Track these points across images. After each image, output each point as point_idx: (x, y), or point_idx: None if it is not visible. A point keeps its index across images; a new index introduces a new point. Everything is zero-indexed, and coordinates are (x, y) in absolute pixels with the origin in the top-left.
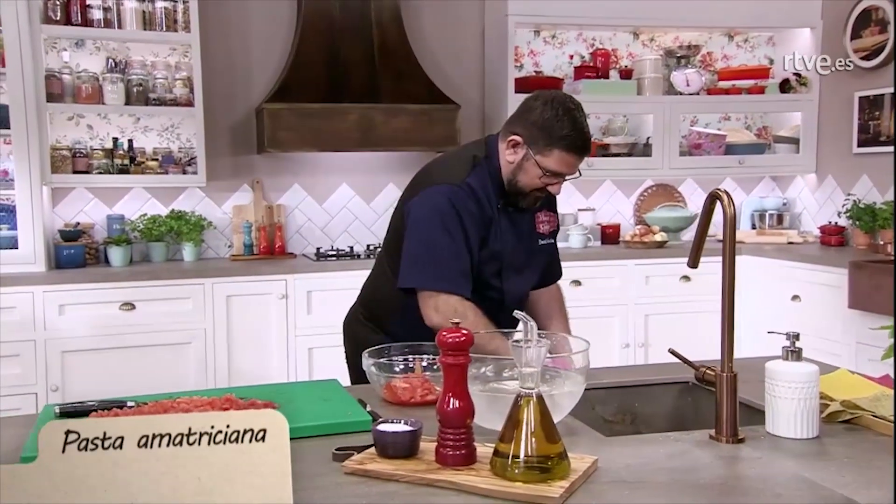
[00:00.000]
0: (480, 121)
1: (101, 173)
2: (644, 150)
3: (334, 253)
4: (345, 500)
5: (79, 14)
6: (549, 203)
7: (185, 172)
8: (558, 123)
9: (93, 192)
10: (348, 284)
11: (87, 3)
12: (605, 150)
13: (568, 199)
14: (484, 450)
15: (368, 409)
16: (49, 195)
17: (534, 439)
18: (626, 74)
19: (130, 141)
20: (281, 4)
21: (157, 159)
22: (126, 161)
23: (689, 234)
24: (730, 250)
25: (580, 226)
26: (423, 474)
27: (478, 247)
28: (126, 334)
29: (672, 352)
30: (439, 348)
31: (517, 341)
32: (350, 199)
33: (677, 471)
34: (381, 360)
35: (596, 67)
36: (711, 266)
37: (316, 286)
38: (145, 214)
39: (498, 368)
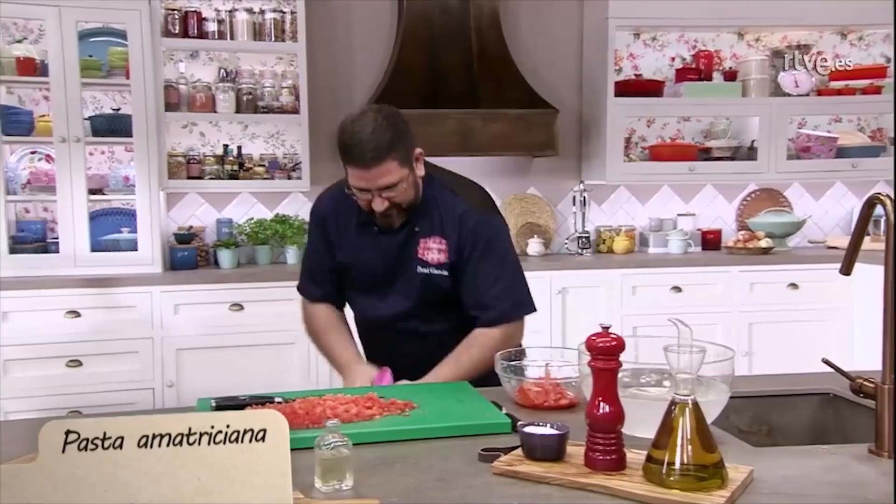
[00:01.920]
0: (578, 125)
1: (212, 178)
2: (748, 153)
3: None
4: (499, 501)
5: (195, 27)
6: (443, 230)
7: (289, 177)
8: (339, 139)
9: (203, 197)
10: None
11: (203, 16)
12: (706, 154)
13: (666, 203)
14: (631, 455)
15: (504, 411)
16: (165, 200)
17: (690, 447)
18: (730, 76)
19: (239, 147)
20: (382, 13)
21: (263, 165)
22: (235, 167)
23: (795, 241)
24: (893, 257)
25: (679, 231)
26: (574, 478)
27: (330, 252)
28: (235, 334)
29: (826, 361)
30: (589, 352)
31: (671, 347)
32: None
33: (841, 485)
34: (513, 362)
35: (698, 69)
36: (821, 274)
37: None
38: (252, 218)
39: (635, 373)
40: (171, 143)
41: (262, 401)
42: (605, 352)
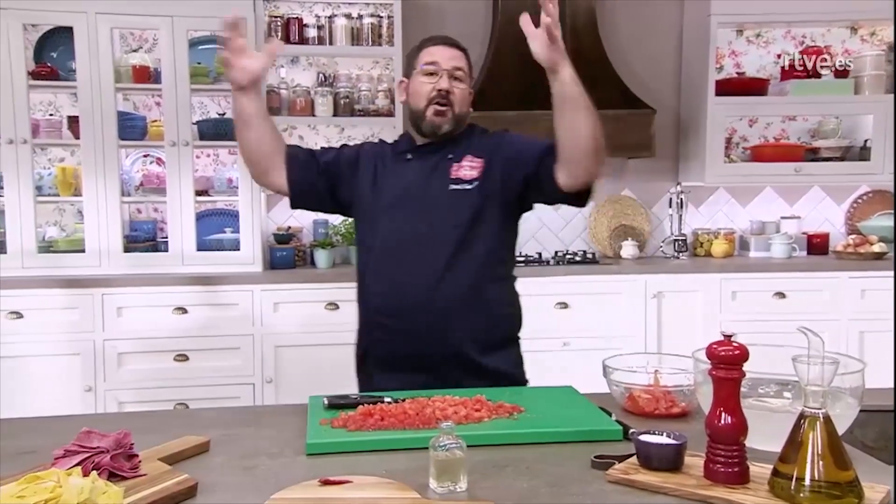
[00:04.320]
0: (676, 125)
1: None
2: (861, 153)
3: (523, 259)
4: None
5: (296, 33)
6: (477, 149)
7: None
8: (417, 43)
9: None
10: (537, 290)
11: (304, 22)
12: (813, 155)
13: (769, 206)
14: (754, 469)
15: (614, 418)
16: (265, 201)
17: (821, 462)
18: (840, 73)
19: None
20: (476, 15)
21: None
22: None
23: None
24: None
25: (784, 234)
26: (694, 489)
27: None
28: (330, 332)
29: None
30: (710, 360)
31: (800, 357)
32: (538, 206)
33: None
34: (621, 369)
35: (806, 66)
36: None
37: None
38: (345, 220)
39: (752, 383)
40: None
41: (373, 400)
42: (728, 361)
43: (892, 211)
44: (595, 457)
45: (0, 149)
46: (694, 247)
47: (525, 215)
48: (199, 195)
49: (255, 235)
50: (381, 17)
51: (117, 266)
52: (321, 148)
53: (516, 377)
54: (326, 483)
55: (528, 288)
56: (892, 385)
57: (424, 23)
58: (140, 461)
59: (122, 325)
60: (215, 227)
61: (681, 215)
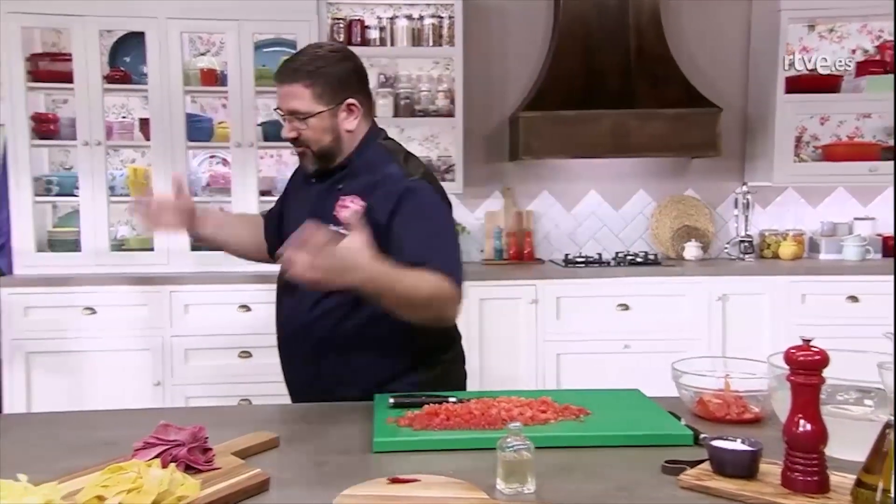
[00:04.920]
0: (742, 124)
1: None
2: None
3: (583, 259)
4: None
5: (358, 34)
6: (369, 193)
7: (443, 180)
8: None
9: None
10: (597, 291)
11: (366, 24)
12: (889, 154)
13: (841, 206)
14: (835, 478)
15: (683, 422)
16: None
17: None
18: None
19: None
20: (538, 14)
21: None
22: None
23: None
24: None
25: (857, 236)
26: (773, 498)
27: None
28: None
29: None
30: (788, 366)
31: (885, 364)
32: (598, 206)
33: None
34: (690, 372)
35: (883, 61)
36: None
37: (565, 292)
38: None
39: (830, 390)
40: None
41: (439, 400)
42: (807, 366)
43: None
44: (666, 462)
45: (77, 150)
46: (760, 248)
47: (584, 214)
48: (263, 195)
49: None
50: (442, 17)
51: (184, 264)
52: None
53: None
54: (395, 481)
55: (588, 289)
56: None
57: (486, 22)
58: (214, 455)
59: (188, 321)
60: None
61: (747, 216)
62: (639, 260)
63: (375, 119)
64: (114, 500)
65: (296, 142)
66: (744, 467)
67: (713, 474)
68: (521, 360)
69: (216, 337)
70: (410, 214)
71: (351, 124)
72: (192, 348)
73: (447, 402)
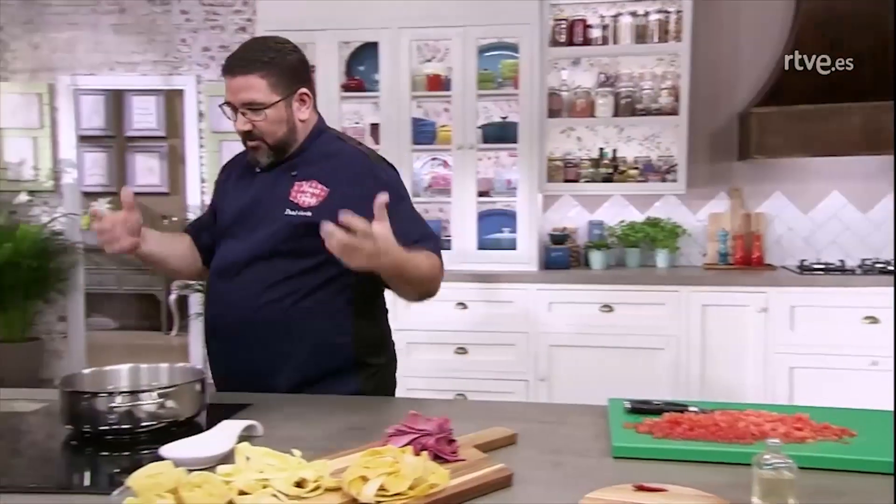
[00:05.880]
0: None
1: (587, 182)
2: None
3: (821, 266)
4: None
5: (580, 34)
6: (327, 176)
7: (664, 180)
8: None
9: (576, 199)
10: (840, 302)
11: (588, 23)
12: None
13: None
14: None
15: None
16: (541, 202)
17: None
18: None
19: (615, 150)
20: (775, 14)
21: (637, 167)
22: (609, 170)
23: None
24: None
25: None
26: None
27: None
28: (605, 335)
29: None
30: None
31: None
32: (841, 208)
33: None
34: None
35: None
36: None
37: (800, 301)
38: (623, 221)
39: None
40: (551, 148)
41: (679, 408)
42: None
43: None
44: None
45: None
46: None
47: (824, 217)
48: (481, 196)
49: (532, 235)
50: (669, 12)
51: None
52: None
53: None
54: (641, 489)
55: (828, 299)
56: None
57: (717, 18)
58: (458, 446)
59: (411, 316)
60: (494, 226)
61: None
62: (889, 268)
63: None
64: (375, 482)
65: (249, 135)
66: None
67: None
68: (748, 371)
69: (435, 332)
70: (394, 202)
71: (304, 114)
72: (412, 342)
73: (688, 410)
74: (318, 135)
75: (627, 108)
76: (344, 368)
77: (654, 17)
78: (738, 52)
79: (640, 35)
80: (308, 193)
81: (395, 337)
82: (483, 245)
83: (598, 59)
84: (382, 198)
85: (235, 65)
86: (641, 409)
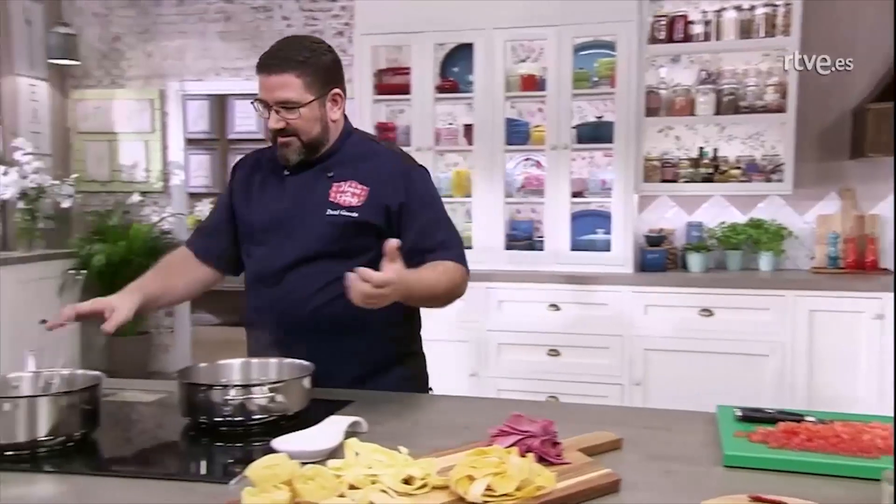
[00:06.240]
0: None
1: (685, 182)
2: None
3: None
4: None
5: (681, 31)
6: (364, 176)
7: (768, 180)
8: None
9: (674, 200)
10: None
11: (689, 19)
12: None
13: None
14: None
15: None
16: (637, 203)
17: None
18: None
19: (715, 150)
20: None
21: (739, 167)
22: (710, 170)
23: None
24: None
25: None
26: None
27: (229, 211)
28: (704, 339)
29: None
30: None
31: None
32: None
33: None
34: None
35: None
36: None
37: None
38: (724, 222)
39: None
40: (647, 148)
41: (795, 417)
42: None
43: None
44: None
45: (411, 155)
46: None
47: None
48: (575, 196)
49: (627, 237)
50: (777, 5)
51: (499, 262)
52: (213, 211)
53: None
54: (757, 500)
55: None
56: None
57: (829, 13)
58: (563, 449)
59: (502, 317)
60: (588, 227)
61: None
62: None
63: None
64: (483, 482)
65: (282, 132)
66: None
67: None
68: (860, 380)
69: (526, 333)
70: (419, 199)
71: (336, 114)
72: (504, 343)
73: (805, 420)
74: (348, 136)
75: (730, 105)
76: (393, 361)
77: (760, 10)
78: (854, 45)
79: (745, 30)
80: (349, 193)
81: (486, 337)
82: (576, 246)
83: (699, 56)
84: (393, 242)
85: (271, 63)
86: (754, 417)
